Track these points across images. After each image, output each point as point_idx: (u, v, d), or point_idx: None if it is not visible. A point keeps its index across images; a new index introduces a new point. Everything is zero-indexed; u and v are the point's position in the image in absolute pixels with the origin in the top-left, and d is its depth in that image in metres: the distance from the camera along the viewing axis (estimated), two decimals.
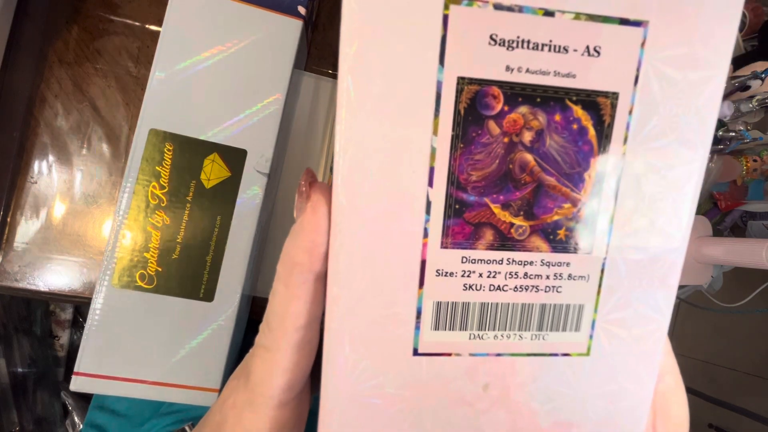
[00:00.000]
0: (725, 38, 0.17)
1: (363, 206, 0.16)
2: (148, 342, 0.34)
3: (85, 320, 0.45)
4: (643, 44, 0.16)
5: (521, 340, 0.18)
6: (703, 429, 1.07)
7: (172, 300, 0.34)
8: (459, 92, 0.16)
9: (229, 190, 0.35)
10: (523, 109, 0.16)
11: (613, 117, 0.17)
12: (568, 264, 0.18)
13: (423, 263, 0.17)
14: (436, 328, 0.17)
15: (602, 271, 0.18)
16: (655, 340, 0.19)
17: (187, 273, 0.35)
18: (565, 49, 0.16)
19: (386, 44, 0.15)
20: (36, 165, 0.43)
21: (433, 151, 0.16)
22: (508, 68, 0.16)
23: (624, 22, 0.16)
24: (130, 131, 0.44)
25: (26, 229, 0.43)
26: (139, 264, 0.34)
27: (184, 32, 0.34)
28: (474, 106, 0.16)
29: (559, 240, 0.17)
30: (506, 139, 0.16)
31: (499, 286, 0.17)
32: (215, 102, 0.35)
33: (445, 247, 0.17)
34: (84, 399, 0.67)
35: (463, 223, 0.17)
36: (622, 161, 0.17)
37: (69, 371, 0.68)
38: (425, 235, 0.17)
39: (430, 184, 0.16)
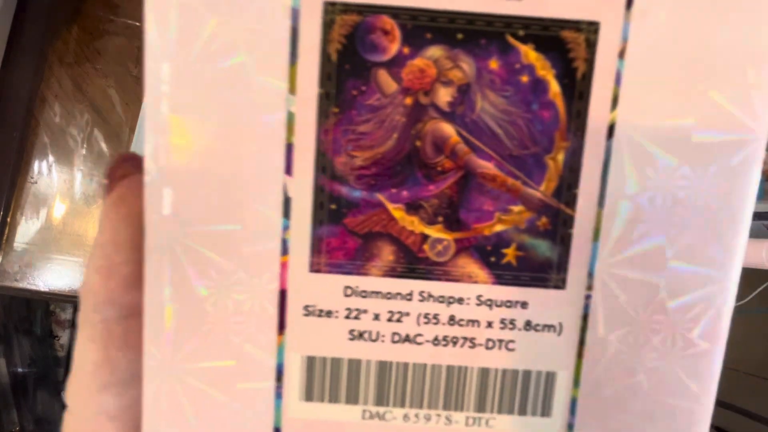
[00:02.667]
0: None
1: (186, 206, 0.11)
2: None
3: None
4: None
5: (449, 425, 0.12)
6: None
7: None
8: (327, 26, 0.10)
9: None
10: (435, 51, 0.10)
11: (590, 63, 0.10)
12: (523, 304, 0.11)
13: (283, 295, 0.11)
14: (309, 398, 0.11)
15: (584, 317, 0.11)
16: None
17: None
18: None
19: None
20: (36, 165, 0.43)
21: (291, 118, 0.10)
22: None
23: None
24: (130, 131, 0.44)
25: (26, 229, 0.43)
26: None
27: None
28: (354, 48, 0.10)
29: (506, 264, 0.11)
30: (409, 100, 0.11)
31: (408, 335, 0.11)
32: None
33: (317, 271, 0.11)
34: None
35: (344, 234, 0.11)
36: (611, 138, 0.11)
37: (69, 371, 0.68)
38: (284, 251, 0.11)
39: (288, 171, 0.11)
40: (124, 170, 0.12)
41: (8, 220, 0.43)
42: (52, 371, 0.66)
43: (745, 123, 0.11)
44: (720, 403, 0.99)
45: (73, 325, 0.70)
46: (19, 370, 0.62)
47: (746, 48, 0.11)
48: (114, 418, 0.12)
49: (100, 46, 0.44)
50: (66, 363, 0.68)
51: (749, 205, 0.11)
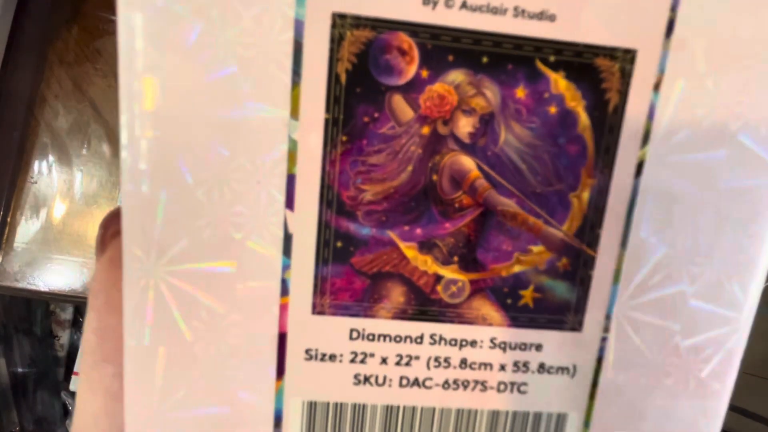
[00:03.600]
0: None
1: (172, 242, 0.10)
2: None
3: (85, 320, 0.45)
4: None
5: None
6: None
7: None
8: (336, 42, 0.09)
9: None
10: (458, 75, 0.09)
11: (624, 95, 0.10)
12: (538, 347, 0.11)
13: (282, 338, 0.10)
14: None
15: (599, 360, 0.11)
16: None
17: None
18: None
19: None
20: (36, 165, 0.43)
21: (293, 146, 0.09)
22: (427, 0, 0.09)
23: None
24: None
25: (26, 229, 0.43)
26: None
27: None
28: (366, 69, 0.09)
29: (522, 307, 0.11)
30: (426, 130, 0.10)
31: (417, 379, 0.11)
32: None
33: (321, 313, 0.10)
34: None
35: (351, 274, 0.10)
36: (639, 176, 0.10)
37: (69, 371, 0.68)
38: (284, 292, 0.10)
39: (289, 205, 0.10)
40: (117, 226, 0.11)
41: (8, 220, 0.43)
42: (52, 371, 0.66)
43: None
44: None
45: (73, 325, 0.70)
46: (19, 370, 0.62)
47: None
48: None
49: (100, 46, 0.44)
50: (66, 363, 0.68)
51: (766, 249, 0.11)
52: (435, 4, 0.09)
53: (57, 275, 0.43)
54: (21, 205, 0.43)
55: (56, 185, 0.43)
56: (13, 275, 0.43)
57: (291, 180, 0.09)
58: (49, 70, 0.43)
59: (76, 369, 0.34)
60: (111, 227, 0.12)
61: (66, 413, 0.67)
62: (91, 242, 0.44)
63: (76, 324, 0.69)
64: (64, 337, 0.68)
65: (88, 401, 0.12)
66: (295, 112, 0.09)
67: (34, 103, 0.43)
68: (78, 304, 0.61)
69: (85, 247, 0.44)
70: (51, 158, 0.43)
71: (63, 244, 0.43)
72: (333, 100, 0.09)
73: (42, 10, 0.43)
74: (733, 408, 0.91)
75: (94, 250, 0.12)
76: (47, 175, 0.43)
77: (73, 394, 0.69)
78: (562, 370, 0.11)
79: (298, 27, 0.09)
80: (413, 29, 0.09)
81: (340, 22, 0.09)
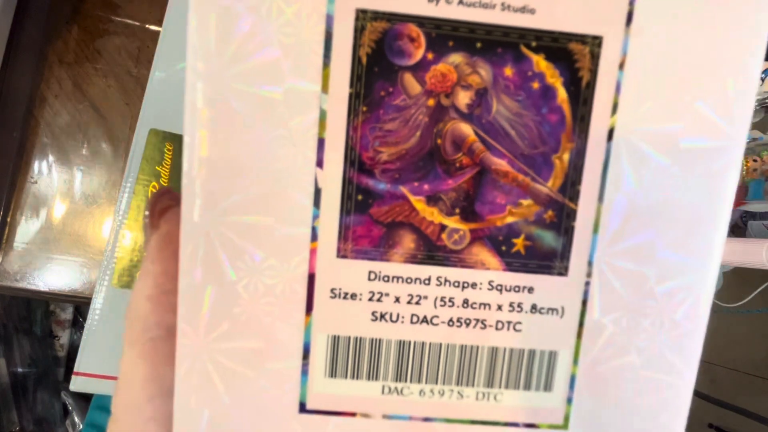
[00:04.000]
0: None
1: (222, 198, 0.11)
2: None
3: (85, 320, 0.45)
4: None
5: (461, 399, 0.12)
6: (703, 429, 1.07)
7: None
8: (359, 31, 0.11)
9: None
10: (457, 57, 0.11)
11: (594, 73, 0.11)
12: (530, 289, 0.12)
13: (311, 278, 0.12)
14: (333, 374, 0.12)
15: (584, 302, 0.12)
16: (670, 413, 0.13)
17: None
18: None
19: None
20: (36, 165, 0.43)
21: (323, 115, 0.11)
22: None
23: None
24: (130, 131, 0.44)
25: (26, 229, 0.43)
26: (139, 264, 0.34)
27: (185, 32, 0.34)
28: (382, 53, 0.11)
29: (515, 253, 0.12)
30: (431, 102, 0.12)
31: (425, 317, 0.12)
32: None
33: (344, 257, 0.12)
34: (84, 399, 0.67)
35: (369, 223, 0.12)
36: (610, 141, 0.12)
37: (69, 371, 0.68)
38: (313, 237, 0.12)
39: (319, 163, 0.11)
40: (163, 204, 0.13)
41: (8, 220, 0.43)
42: (52, 371, 0.66)
43: (725, 131, 0.12)
44: (720, 403, 0.99)
45: (73, 325, 0.70)
46: (19, 370, 0.62)
47: (727, 62, 0.12)
48: (161, 424, 0.13)
49: (100, 46, 0.44)
50: (66, 363, 0.68)
51: (728, 203, 0.12)
52: (438, 1, 0.11)
53: (57, 275, 0.43)
54: (21, 205, 0.43)
55: (56, 185, 0.43)
56: (13, 275, 0.43)
57: (321, 143, 0.11)
58: (49, 70, 0.43)
59: (76, 369, 0.33)
60: (158, 205, 0.13)
61: (66, 413, 0.67)
62: (91, 242, 0.44)
63: (76, 324, 0.69)
64: (64, 337, 0.68)
65: (138, 365, 0.13)
66: (325, 87, 0.11)
67: (34, 103, 0.43)
68: (78, 304, 0.61)
69: (85, 247, 0.44)
70: (51, 158, 0.43)
71: (63, 244, 0.43)
72: (356, 77, 0.11)
73: (42, 10, 0.43)
74: (733, 408, 0.91)
75: (143, 227, 0.14)
76: (47, 175, 0.43)
77: (73, 394, 0.69)
78: (552, 310, 0.12)
79: (329, 20, 0.11)
80: (420, 21, 0.11)
81: (362, 16, 0.11)
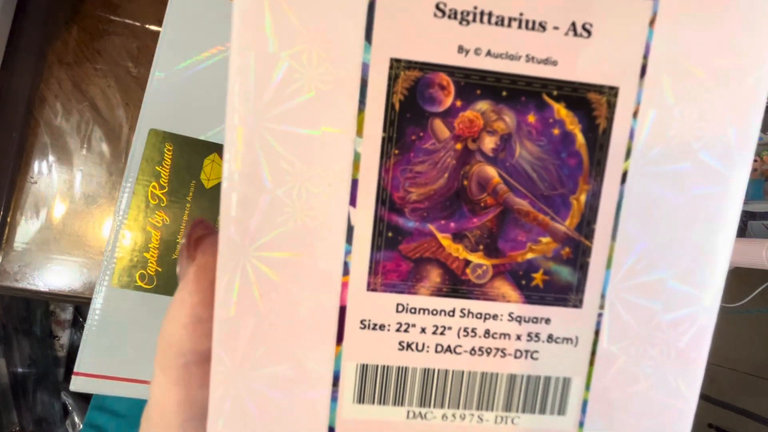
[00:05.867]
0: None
1: (258, 231, 0.12)
2: (148, 342, 0.34)
3: (85, 320, 0.45)
4: (652, 21, 0.12)
5: (481, 423, 0.13)
6: (703, 429, 1.07)
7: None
8: (393, 79, 0.12)
9: None
10: (483, 105, 0.12)
11: (610, 121, 0.12)
12: (547, 321, 0.13)
13: (342, 311, 0.13)
14: (361, 401, 0.13)
15: (596, 332, 0.13)
16: None
17: None
18: (542, 26, 0.12)
19: (293, 10, 0.11)
20: (36, 165, 0.43)
21: (357, 157, 0.12)
22: (461, 49, 0.12)
23: None
24: (130, 131, 0.44)
25: (26, 229, 0.43)
26: (139, 264, 0.34)
27: (184, 32, 0.34)
28: (414, 100, 0.12)
29: (534, 287, 0.13)
30: (459, 146, 0.12)
31: (449, 346, 0.13)
32: (215, 102, 0.35)
33: (374, 290, 0.13)
34: (84, 399, 0.67)
35: (398, 258, 0.13)
36: (624, 183, 0.13)
37: (69, 371, 0.68)
38: (345, 272, 0.12)
39: (353, 202, 0.12)
40: (197, 233, 0.14)
41: (8, 220, 0.43)
42: (51, 371, 0.66)
43: (726, 176, 0.13)
44: (720, 403, 0.99)
45: (73, 325, 0.70)
46: (19, 370, 0.62)
47: (730, 112, 0.12)
48: None
49: (100, 46, 0.44)
50: (66, 363, 0.68)
51: (729, 244, 0.13)
52: (467, 52, 0.12)
53: (57, 275, 0.43)
54: (21, 205, 0.43)
55: (56, 185, 0.43)
56: (13, 275, 0.43)
57: (354, 183, 0.12)
58: (49, 71, 0.43)
59: (76, 369, 0.33)
60: (193, 234, 0.14)
61: (66, 413, 0.66)
62: (91, 242, 0.44)
63: (76, 324, 0.69)
64: (64, 337, 0.68)
65: (171, 391, 0.13)
66: (360, 131, 0.12)
67: (34, 103, 0.43)
68: (78, 304, 0.61)
69: (85, 247, 0.44)
70: (51, 158, 0.43)
71: (63, 244, 0.43)
72: (389, 122, 0.12)
73: (42, 10, 0.43)
74: (733, 408, 0.91)
75: (179, 258, 0.14)
76: (47, 175, 0.43)
77: (73, 395, 0.69)
78: (567, 340, 0.13)
79: (365, 68, 0.12)
80: (450, 70, 0.12)
81: (396, 65, 0.12)
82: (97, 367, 0.33)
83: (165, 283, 0.34)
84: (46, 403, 0.64)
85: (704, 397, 0.94)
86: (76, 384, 0.33)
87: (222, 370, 0.12)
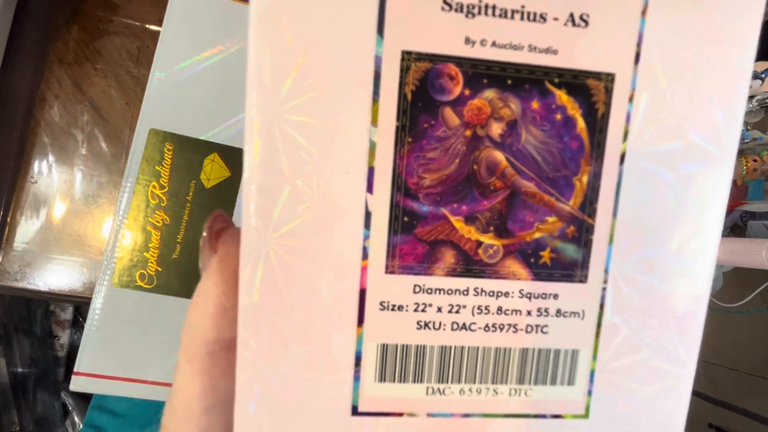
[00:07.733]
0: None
1: (282, 219, 0.13)
2: (148, 342, 0.34)
3: (85, 320, 0.45)
4: (644, 11, 0.13)
5: (496, 396, 0.14)
6: (703, 429, 1.07)
7: (172, 300, 0.34)
8: (404, 71, 0.12)
9: (229, 190, 0.35)
10: (490, 93, 0.13)
11: (608, 105, 0.13)
12: (555, 296, 0.14)
13: (362, 293, 0.13)
14: (382, 379, 0.13)
15: (601, 305, 0.14)
16: (675, 398, 0.14)
17: (187, 273, 0.35)
18: (543, 17, 0.13)
19: (308, 7, 0.12)
20: (36, 165, 0.43)
21: (372, 146, 0.13)
22: (468, 41, 0.12)
23: None
24: (130, 131, 0.44)
25: (26, 229, 0.43)
26: (139, 264, 0.34)
27: (184, 32, 0.34)
28: (425, 89, 0.13)
29: (542, 264, 0.14)
30: (468, 132, 0.13)
31: (464, 324, 0.14)
32: (215, 102, 0.35)
33: (392, 273, 0.13)
34: (84, 399, 0.67)
35: (414, 241, 0.13)
36: (622, 164, 0.13)
37: (69, 371, 0.68)
38: (364, 256, 0.13)
39: (370, 189, 0.13)
40: (218, 226, 0.14)
41: (8, 220, 0.43)
42: (52, 371, 0.66)
43: (715, 154, 0.14)
44: (720, 403, 0.99)
45: (73, 325, 0.70)
46: (19, 370, 0.62)
47: (717, 95, 0.13)
48: None
49: (100, 46, 0.44)
50: (66, 363, 0.68)
51: (720, 219, 0.14)
52: (473, 43, 0.12)
53: (57, 275, 0.43)
54: (21, 205, 0.43)
55: (56, 185, 0.43)
56: (13, 275, 0.43)
57: (371, 171, 0.13)
58: (49, 70, 0.43)
59: (76, 369, 0.33)
60: (214, 227, 0.14)
61: (66, 413, 0.66)
62: (91, 242, 0.44)
63: (76, 324, 0.69)
64: (64, 337, 0.68)
65: (195, 379, 0.14)
66: (374, 121, 0.13)
67: (34, 103, 0.43)
68: (78, 303, 0.62)
69: (85, 247, 0.44)
70: (51, 158, 0.43)
71: (63, 244, 0.43)
72: (402, 112, 0.13)
73: (42, 10, 0.43)
74: (733, 408, 0.91)
75: (201, 251, 0.14)
76: (47, 175, 0.43)
77: (73, 394, 0.69)
78: (574, 314, 0.14)
79: (377, 61, 0.12)
80: (459, 61, 0.13)
81: (407, 57, 0.12)
82: (97, 367, 0.33)
83: (165, 283, 0.34)
84: (46, 402, 0.64)
85: (704, 397, 0.94)
86: (76, 384, 0.33)
87: (248, 355, 0.13)
